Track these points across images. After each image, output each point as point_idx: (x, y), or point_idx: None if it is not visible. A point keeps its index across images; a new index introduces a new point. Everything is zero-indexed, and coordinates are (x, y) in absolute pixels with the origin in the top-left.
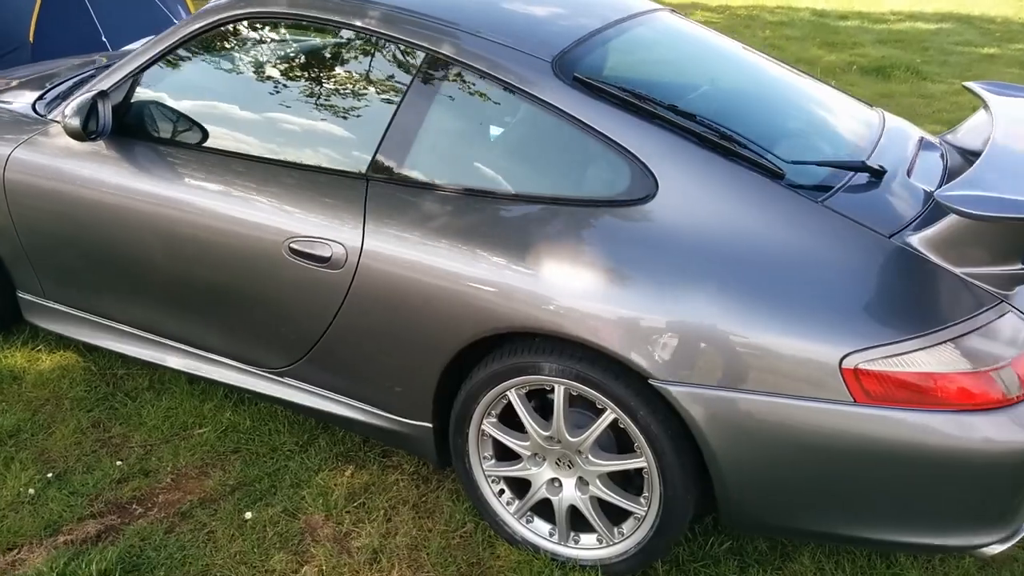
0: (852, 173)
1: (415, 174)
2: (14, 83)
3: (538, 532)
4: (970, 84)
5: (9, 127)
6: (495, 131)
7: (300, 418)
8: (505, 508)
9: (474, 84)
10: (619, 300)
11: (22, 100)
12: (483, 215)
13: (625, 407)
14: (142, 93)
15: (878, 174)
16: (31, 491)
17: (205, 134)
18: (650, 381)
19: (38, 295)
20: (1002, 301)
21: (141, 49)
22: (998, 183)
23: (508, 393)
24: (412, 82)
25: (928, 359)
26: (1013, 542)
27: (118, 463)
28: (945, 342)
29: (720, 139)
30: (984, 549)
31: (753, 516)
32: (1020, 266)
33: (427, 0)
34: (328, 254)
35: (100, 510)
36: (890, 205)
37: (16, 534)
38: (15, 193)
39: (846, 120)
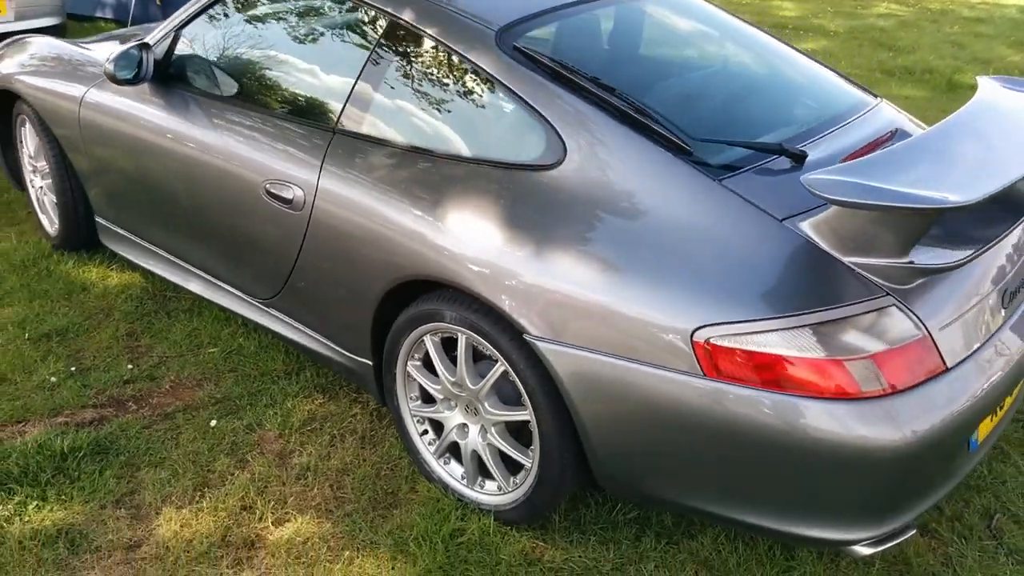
0: (771, 155)
1: (370, 130)
2: (109, 39)
3: (452, 474)
4: (980, 78)
5: (89, 73)
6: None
7: (293, 349)
8: (426, 448)
9: (426, 50)
10: (508, 258)
11: (107, 50)
12: (415, 171)
13: (510, 360)
14: (178, 47)
15: (799, 158)
16: (53, 379)
17: (218, 84)
18: (524, 336)
19: (104, 218)
20: (888, 295)
21: (182, 9)
22: (885, 171)
23: (425, 338)
24: (375, 46)
25: (780, 341)
26: (886, 546)
27: (130, 367)
28: (803, 327)
29: (635, 113)
30: (855, 548)
31: (618, 479)
32: (908, 260)
33: None
34: (291, 196)
35: (101, 402)
36: (797, 190)
37: (28, 411)
38: (87, 128)
39: (811, 103)
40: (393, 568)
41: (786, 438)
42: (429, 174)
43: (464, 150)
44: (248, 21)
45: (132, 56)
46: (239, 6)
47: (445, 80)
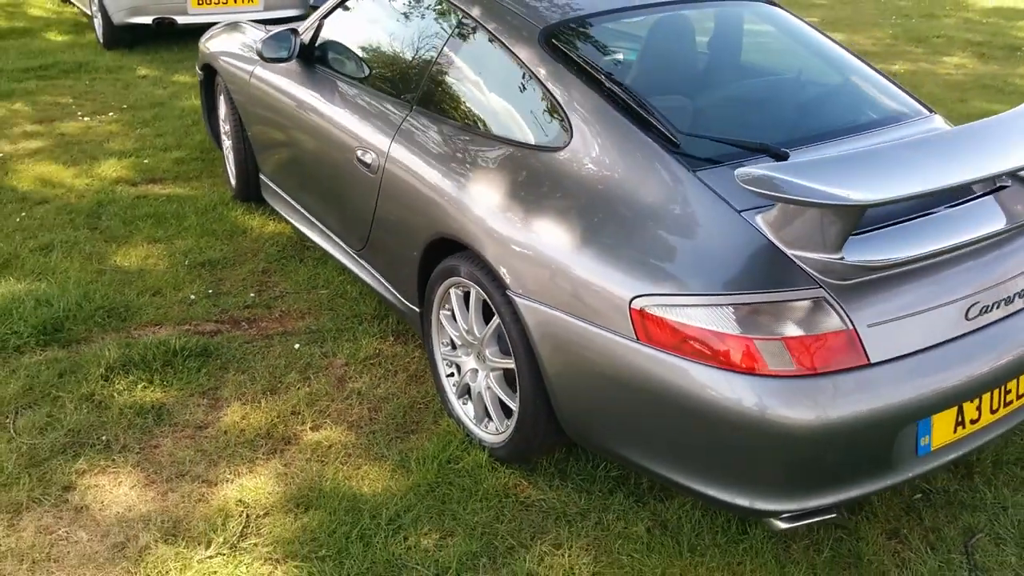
0: (754, 153)
1: (434, 108)
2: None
3: (466, 412)
4: None
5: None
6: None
7: (374, 295)
8: (450, 388)
9: (484, 42)
10: (506, 224)
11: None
12: (458, 145)
13: (500, 313)
14: (321, 33)
15: (781, 157)
16: (192, 297)
17: (341, 64)
18: (507, 292)
19: (264, 175)
20: (820, 287)
21: (329, 2)
22: (818, 171)
23: (451, 291)
24: (448, 37)
25: (703, 316)
26: (801, 523)
27: (252, 295)
28: (725, 306)
29: (638, 107)
30: (773, 521)
31: (574, 428)
32: (839, 256)
33: None
34: (370, 161)
35: (221, 319)
36: None
37: (166, 317)
38: (253, 97)
39: (839, 108)
40: (391, 477)
41: (698, 403)
42: (468, 149)
43: (497, 130)
44: (366, 14)
45: (281, 38)
46: (357, 3)
47: (494, 68)
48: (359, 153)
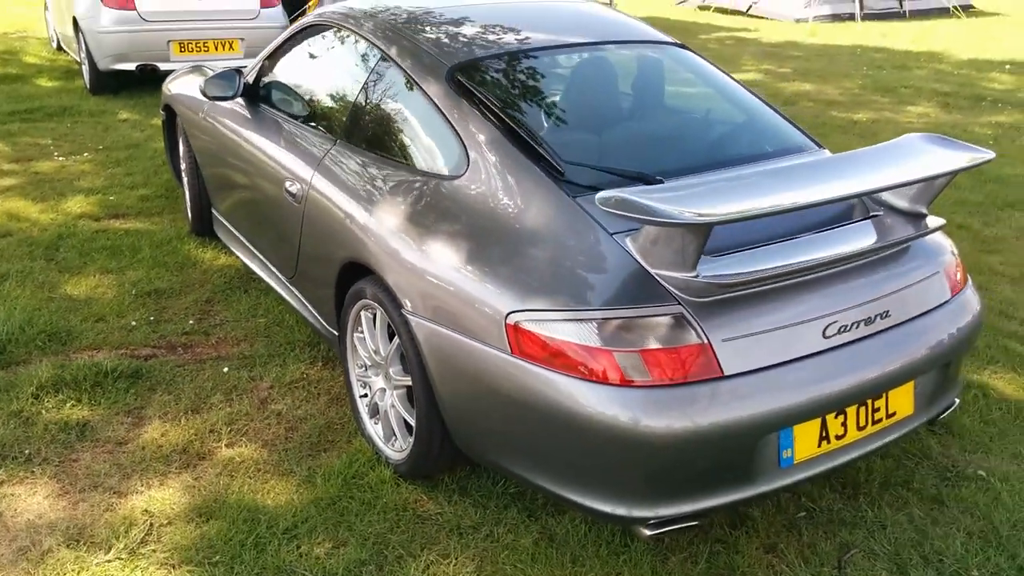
0: (631, 180)
1: (354, 139)
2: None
3: (376, 431)
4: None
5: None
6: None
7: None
8: (364, 407)
9: (399, 79)
10: (404, 247)
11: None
12: (371, 173)
13: (399, 332)
14: (262, 72)
15: (654, 183)
16: (134, 323)
17: (278, 101)
18: (402, 311)
19: (215, 209)
20: (679, 304)
21: (271, 44)
22: (670, 193)
23: (361, 313)
24: (369, 75)
25: (569, 330)
26: (664, 530)
27: (191, 323)
28: (589, 320)
29: (528, 138)
30: (640, 529)
31: (465, 442)
32: (694, 274)
33: (428, 10)
34: (296, 191)
35: (157, 344)
36: None
37: (105, 342)
38: (203, 134)
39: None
40: (295, 491)
41: (564, 413)
42: (378, 178)
43: (406, 160)
44: (303, 55)
45: (226, 77)
46: (295, 45)
47: (407, 103)
48: (287, 184)
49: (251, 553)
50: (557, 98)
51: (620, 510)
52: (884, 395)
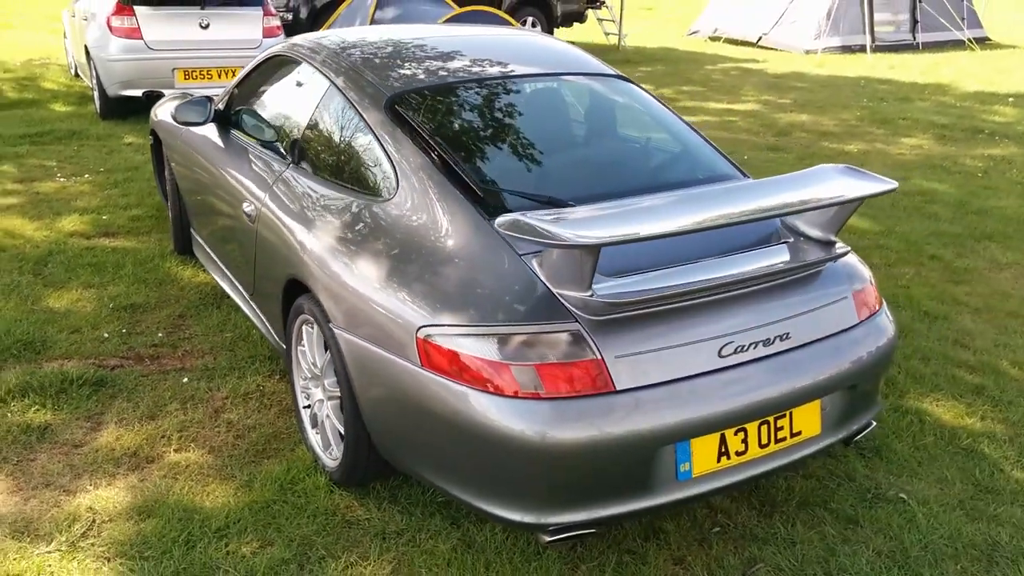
0: (545, 205)
1: (304, 162)
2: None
3: (316, 440)
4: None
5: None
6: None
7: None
8: (307, 417)
9: (344, 107)
10: (334, 264)
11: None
12: (312, 195)
13: (329, 345)
14: (232, 99)
15: (565, 207)
16: (106, 335)
17: (243, 125)
18: (330, 324)
19: (192, 228)
20: (576, 322)
21: (240, 73)
22: (571, 218)
23: (303, 328)
24: (319, 100)
25: (471, 344)
26: (561, 537)
27: (160, 335)
28: (491, 335)
29: (453, 164)
30: (541, 535)
31: (385, 449)
32: (589, 293)
33: (381, 42)
34: (250, 212)
35: (126, 354)
36: None
37: (77, 352)
38: (182, 158)
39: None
40: (233, 494)
41: (466, 423)
42: (319, 199)
43: (345, 182)
44: (268, 82)
45: (197, 103)
46: (261, 74)
47: (349, 129)
48: (244, 206)
49: (181, 549)
50: (487, 127)
51: (521, 517)
52: (787, 414)
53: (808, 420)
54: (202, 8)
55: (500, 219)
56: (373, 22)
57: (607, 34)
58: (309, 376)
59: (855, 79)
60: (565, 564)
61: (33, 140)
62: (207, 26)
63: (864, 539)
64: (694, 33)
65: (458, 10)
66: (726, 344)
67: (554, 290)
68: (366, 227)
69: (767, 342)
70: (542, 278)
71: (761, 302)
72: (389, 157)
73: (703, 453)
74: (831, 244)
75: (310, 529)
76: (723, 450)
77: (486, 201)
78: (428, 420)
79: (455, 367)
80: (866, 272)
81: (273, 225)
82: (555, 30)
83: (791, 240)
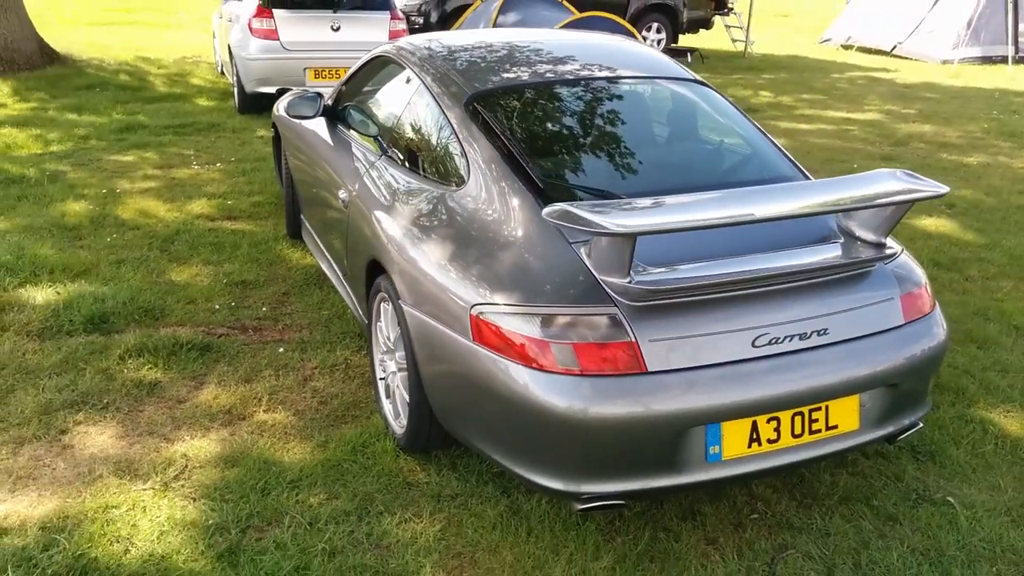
0: (600, 198)
1: (392, 154)
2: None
3: (388, 410)
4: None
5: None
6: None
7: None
8: (382, 388)
9: (431, 104)
10: (406, 246)
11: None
12: (395, 183)
13: (399, 321)
14: (340, 96)
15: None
16: (217, 307)
17: (349, 120)
18: (399, 301)
19: (301, 213)
20: (615, 306)
21: (347, 73)
22: (609, 209)
23: (381, 305)
24: (411, 98)
25: (518, 322)
26: (591, 506)
27: (264, 309)
28: (535, 315)
29: (520, 158)
30: (574, 503)
31: (442, 417)
32: (628, 280)
33: (471, 44)
34: (344, 198)
35: (232, 325)
36: None
37: (190, 320)
38: (294, 149)
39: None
40: (310, 452)
41: (509, 394)
42: (400, 187)
43: (425, 172)
44: (369, 81)
45: (308, 99)
46: (364, 73)
47: (433, 124)
48: (340, 193)
49: (257, 495)
50: (557, 125)
51: (555, 484)
52: (823, 407)
53: (845, 415)
54: (334, 12)
55: (548, 208)
56: (495, 26)
57: (734, 41)
58: (385, 350)
59: (990, 91)
60: (603, 535)
61: (176, 131)
62: (338, 29)
63: (901, 536)
64: (826, 41)
65: (576, 15)
66: (761, 335)
67: (598, 276)
68: (437, 214)
69: (803, 336)
70: (588, 265)
71: (801, 298)
72: (464, 150)
73: (734, 438)
74: (881, 246)
75: (373, 487)
76: (755, 436)
77: (546, 193)
78: (477, 391)
79: (502, 342)
80: (920, 276)
81: (361, 211)
82: (680, 36)
83: (840, 240)
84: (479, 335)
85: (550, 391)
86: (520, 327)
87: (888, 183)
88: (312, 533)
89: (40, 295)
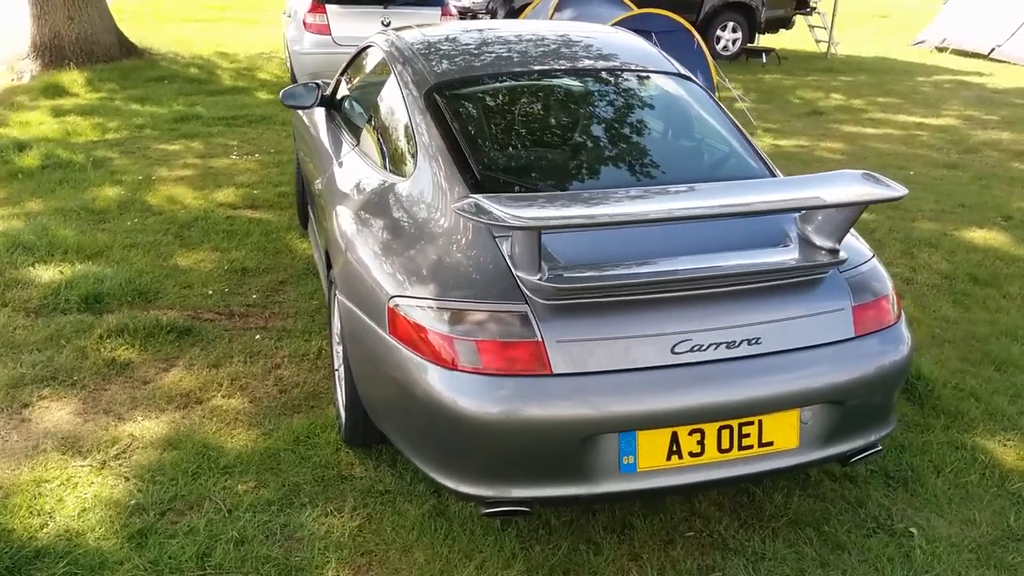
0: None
1: (362, 146)
2: None
3: (340, 401)
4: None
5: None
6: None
7: None
8: (337, 378)
9: (397, 94)
10: (347, 235)
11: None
12: (358, 173)
13: (335, 309)
14: (338, 86)
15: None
16: (210, 292)
17: (345, 110)
18: (335, 291)
19: (307, 202)
20: (526, 304)
21: (344, 63)
22: (532, 203)
23: (335, 295)
24: (384, 88)
25: (425, 316)
26: (494, 511)
27: (255, 296)
28: (444, 309)
29: (466, 151)
30: (481, 508)
31: (369, 410)
32: (538, 276)
33: (451, 35)
34: (319, 188)
35: (220, 310)
36: None
37: (181, 303)
38: (299, 137)
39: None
40: (253, 440)
41: (416, 390)
42: (359, 175)
43: (382, 163)
44: (355, 72)
45: (307, 88)
46: (355, 64)
47: (397, 114)
48: (316, 183)
49: (187, 479)
50: (516, 117)
51: (459, 486)
52: (756, 421)
53: (782, 431)
54: (385, 8)
55: (458, 201)
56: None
57: (817, 41)
58: (337, 340)
59: None
60: (522, 543)
61: (228, 122)
62: (388, 24)
63: (844, 566)
64: (920, 43)
65: (633, 11)
66: (682, 341)
67: (515, 273)
68: (380, 205)
69: (731, 344)
70: (507, 259)
71: (732, 304)
72: (416, 141)
73: (650, 448)
74: (833, 252)
75: (305, 478)
76: (675, 448)
77: (483, 186)
78: (391, 385)
79: (411, 336)
80: (884, 286)
81: (325, 202)
82: (757, 37)
83: (788, 244)
84: (394, 327)
85: (452, 389)
86: (428, 321)
87: (845, 184)
88: (227, 520)
89: (47, 274)
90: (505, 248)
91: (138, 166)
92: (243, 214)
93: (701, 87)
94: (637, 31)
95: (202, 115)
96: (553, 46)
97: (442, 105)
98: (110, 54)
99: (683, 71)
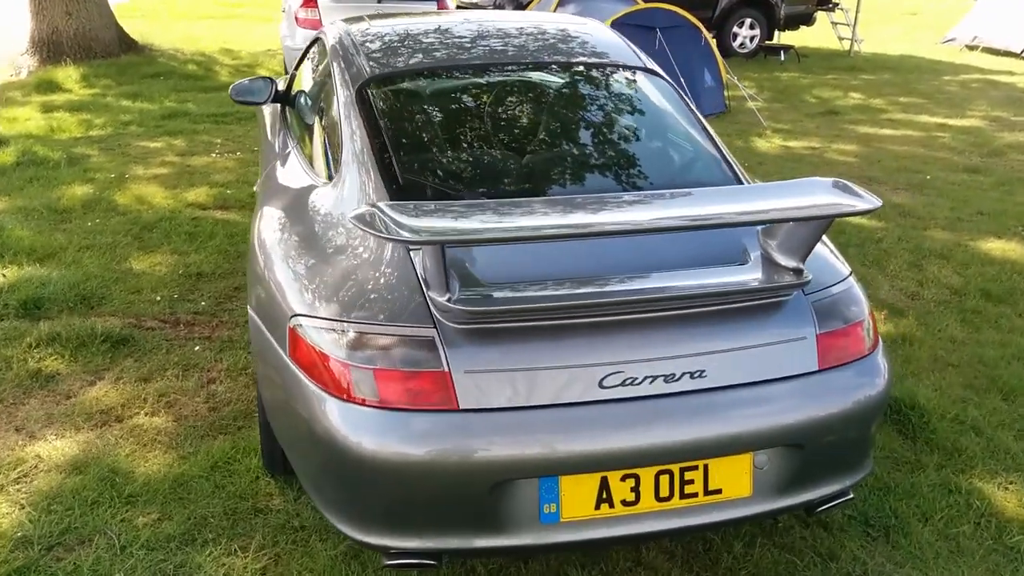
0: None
1: (300, 146)
2: None
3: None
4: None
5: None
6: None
7: None
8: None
9: (331, 89)
10: (262, 244)
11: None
12: (287, 176)
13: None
14: (292, 81)
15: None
16: (158, 297)
17: (298, 105)
18: (247, 305)
19: None
20: (434, 327)
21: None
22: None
23: None
24: (324, 84)
25: (325, 339)
26: (399, 562)
27: (204, 304)
28: (343, 332)
29: (390, 153)
30: (383, 557)
31: (276, 435)
32: (445, 297)
33: (399, 28)
34: (256, 188)
35: (165, 318)
36: None
37: (125, 309)
38: (260, 135)
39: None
40: (168, 464)
41: (305, 420)
42: (286, 178)
43: (312, 165)
44: (306, 66)
45: (260, 83)
46: (306, 57)
47: (329, 112)
48: (256, 186)
49: (84, 508)
50: (453, 116)
51: (358, 534)
52: (700, 466)
53: (732, 477)
54: (379, 2)
55: (353, 211)
56: None
57: (841, 39)
58: None
59: None
60: None
61: (216, 119)
62: None
63: None
64: (949, 41)
65: (637, 6)
66: (612, 374)
67: (426, 292)
68: (299, 210)
69: (670, 378)
70: (420, 277)
71: (673, 330)
72: (343, 141)
73: (575, 496)
74: (797, 272)
75: (214, 510)
76: (604, 496)
77: (406, 192)
78: (290, 413)
79: (309, 360)
80: (858, 312)
81: (256, 204)
82: (776, 34)
83: (745, 262)
84: (294, 350)
85: (346, 424)
86: (327, 345)
87: (811, 194)
88: (117, 559)
89: None
90: (416, 263)
91: (114, 164)
92: (211, 215)
93: (669, 83)
94: (640, 27)
95: (191, 112)
96: (511, 38)
97: (374, 102)
98: (109, 50)
99: (650, 65)
